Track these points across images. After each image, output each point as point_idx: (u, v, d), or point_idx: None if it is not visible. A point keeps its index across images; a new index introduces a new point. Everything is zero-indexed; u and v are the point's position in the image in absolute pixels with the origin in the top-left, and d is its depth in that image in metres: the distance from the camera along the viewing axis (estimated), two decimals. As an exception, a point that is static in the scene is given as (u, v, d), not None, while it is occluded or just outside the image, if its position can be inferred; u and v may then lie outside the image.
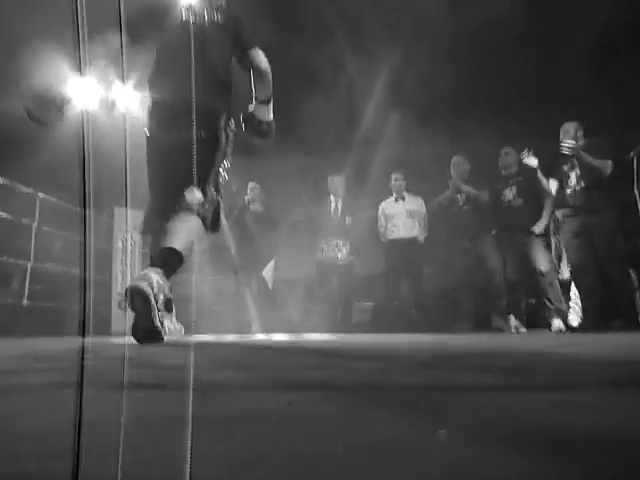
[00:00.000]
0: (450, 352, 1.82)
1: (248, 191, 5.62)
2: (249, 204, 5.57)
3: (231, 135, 2.81)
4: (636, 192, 4.25)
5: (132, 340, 2.16)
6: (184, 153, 2.47)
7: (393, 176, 5.53)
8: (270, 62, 2.90)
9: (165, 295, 2.22)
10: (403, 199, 5.49)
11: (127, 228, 6.22)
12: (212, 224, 2.70)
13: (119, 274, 5.90)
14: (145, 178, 2.84)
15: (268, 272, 5.59)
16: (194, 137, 2.51)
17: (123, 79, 6.33)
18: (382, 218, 5.54)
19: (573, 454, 0.44)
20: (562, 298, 4.73)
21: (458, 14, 5.10)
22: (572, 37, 5.03)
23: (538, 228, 4.67)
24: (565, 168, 4.37)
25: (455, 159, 5.20)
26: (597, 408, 0.63)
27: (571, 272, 4.61)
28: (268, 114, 2.90)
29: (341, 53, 5.54)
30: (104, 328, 5.41)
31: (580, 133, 4.32)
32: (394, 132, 5.83)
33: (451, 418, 0.59)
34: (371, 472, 0.41)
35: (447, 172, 5.21)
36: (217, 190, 2.73)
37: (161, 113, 2.78)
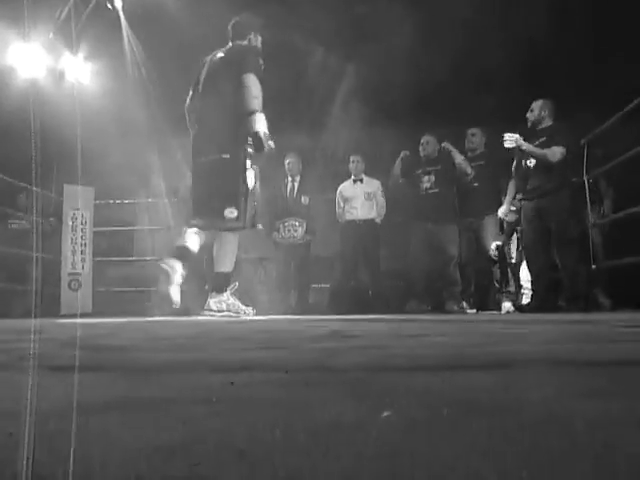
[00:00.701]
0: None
1: None
2: None
3: (250, 152, 3.47)
4: (585, 178, 4.37)
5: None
6: (211, 172, 3.44)
7: (351, 158, 5.49)
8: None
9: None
10: (361, 181, 5.48)
11: (79, 205, 5.99)
12: (250, 223, 3.53)
13: (69, 253, 5.67)
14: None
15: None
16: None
17: (73, 49, 6.04)
18: (340, 200, 5.51)
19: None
20: (512, 281, 4.86)
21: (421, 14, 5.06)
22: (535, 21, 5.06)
23: (501, 212, 4.73)
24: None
25: (424, 138, 5.10)
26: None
27: (525, 255, 4.70)
28: (254, 125, 3.35)
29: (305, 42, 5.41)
30: (53, 310, 5.21)
31: (545, 112, 4.29)
32: (354, 118, 5.74)
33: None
34: (308, 458, 0.39)
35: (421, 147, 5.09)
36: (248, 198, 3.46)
37: (195, 141, 3.58)
